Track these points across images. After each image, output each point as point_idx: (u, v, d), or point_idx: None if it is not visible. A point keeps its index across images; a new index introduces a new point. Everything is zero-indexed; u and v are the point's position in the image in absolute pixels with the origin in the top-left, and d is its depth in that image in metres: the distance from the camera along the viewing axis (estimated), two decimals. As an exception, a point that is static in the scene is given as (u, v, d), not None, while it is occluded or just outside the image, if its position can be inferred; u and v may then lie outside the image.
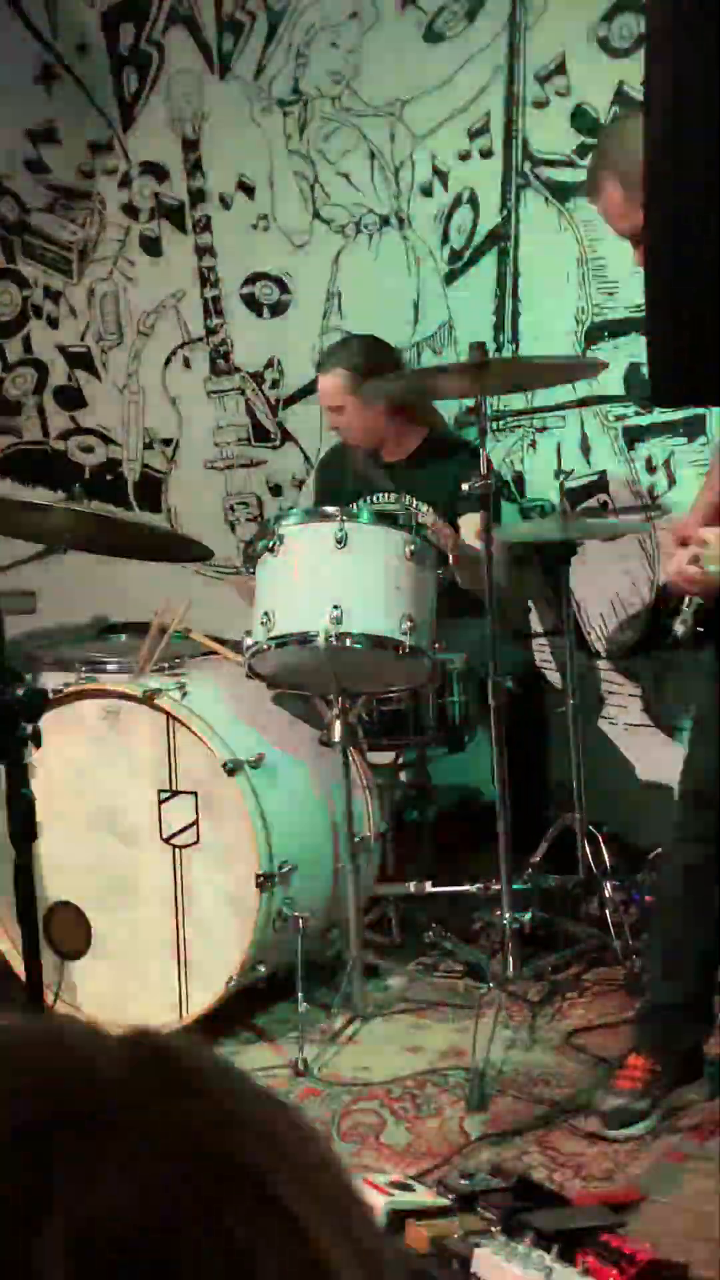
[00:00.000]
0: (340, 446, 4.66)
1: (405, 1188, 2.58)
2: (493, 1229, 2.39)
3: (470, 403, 4.43)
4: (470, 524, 4.04)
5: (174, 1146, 0.55)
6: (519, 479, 4.80)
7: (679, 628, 3.10)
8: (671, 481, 4.56)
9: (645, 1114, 3.04)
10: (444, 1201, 2.54)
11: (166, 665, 3.81)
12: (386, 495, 4.33)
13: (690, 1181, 2.83)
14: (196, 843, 3.53)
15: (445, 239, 4.89)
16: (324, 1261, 0.54)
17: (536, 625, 4.81)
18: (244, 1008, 3.64)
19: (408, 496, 4.31)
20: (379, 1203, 2.48)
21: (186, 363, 5.43)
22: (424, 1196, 2.56)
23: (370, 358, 4.32)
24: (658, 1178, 2.86)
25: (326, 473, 4.70)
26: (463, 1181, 2.59)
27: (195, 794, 3.53)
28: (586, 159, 4.56)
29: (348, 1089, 3.27)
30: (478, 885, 3.72)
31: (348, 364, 4.30)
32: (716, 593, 2.95)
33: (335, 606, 3.40)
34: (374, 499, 4.34)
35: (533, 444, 4.78)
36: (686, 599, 3.08)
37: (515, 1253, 2.21)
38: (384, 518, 3.58)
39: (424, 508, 4.18)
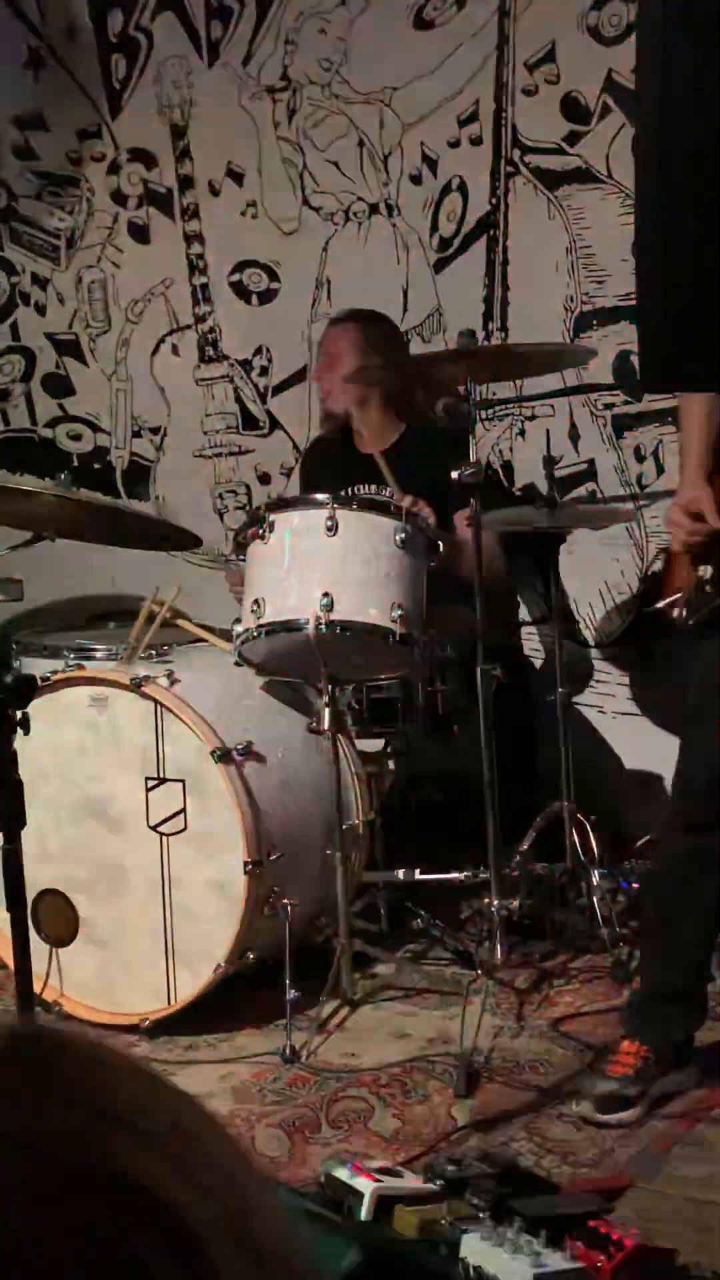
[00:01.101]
0: (323, 438, 4.66)
1: (393, 1174, 2.58)
2: (481, 1215, 2.40)
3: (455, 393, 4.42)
4: (464, 519, 4.04)
5: (41, 1153, 0.51)
6: (508, 467, 4.80)
7: (678, 613, 3.10)
8: (660, 470, 4.56)
9: (635, 1100, 3.04)
10: (432, 1188, 2.54)
11: (155, 653, 3.81)
12: (368, 487, 4.32)
13: (678, 1168, 2.84)
14: (185, 830, 3.53)
15: (434, 227, 4.89)
16: (214, 1271, 0.51)
17: (525, 614, 4.81)
18: (232, 995, 3.64)
19: (390, 487, 4.30)
20: (367, 1189, 2.48)
21: (175, 350, 5.42)
22: (412, 1182, 2.56)
23: (381, 326, 4.44)
24: (645, 1164, 2.86)
25: (314, 462, 4.69)
26: (450, 1168, 2.60)
27: (183, 781, 3.52)
28: (576, 147, 4.57)
29: (336, 1075, 3.27)
30: (466, 873, 3.72)
31: (360, 320, 4.42)
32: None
33: (325, 594, 3.40)
34: (359, 489, 4.34)
35: (522, 432, 4.78)
36: (683, 588, 3.08)
37: (503, 1238, 2.22)
38: (374, 505, 3.57)
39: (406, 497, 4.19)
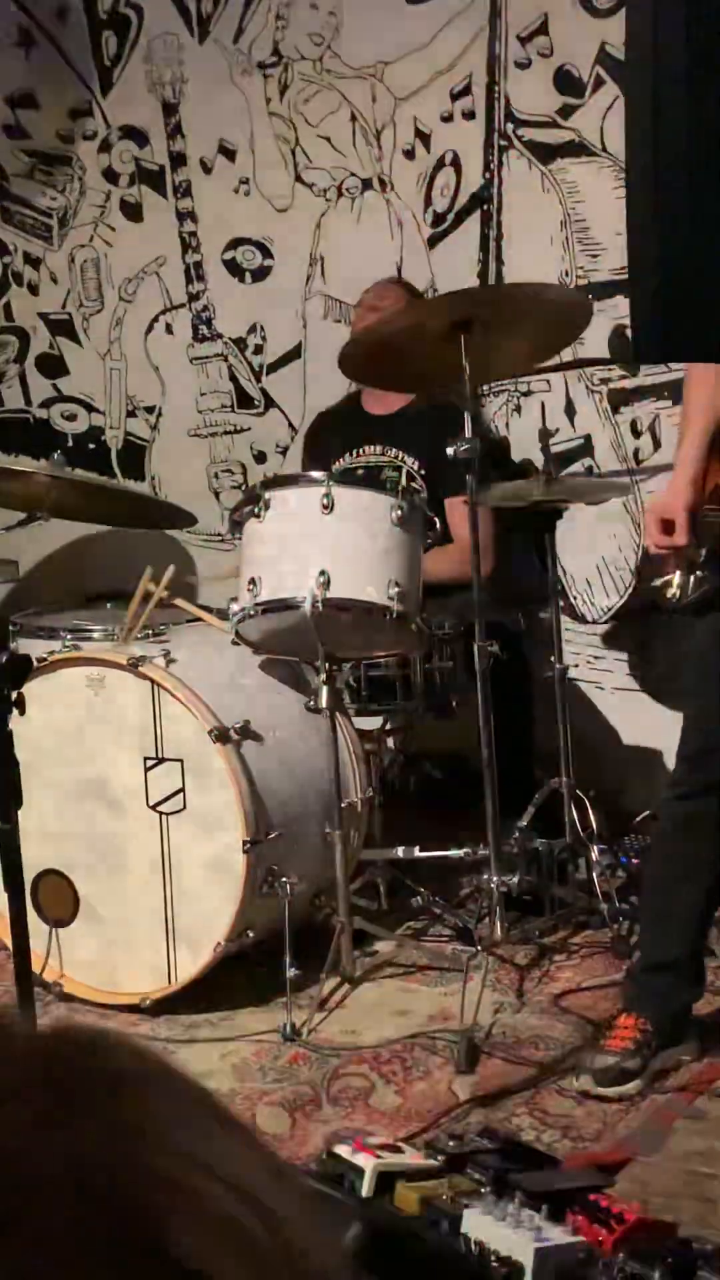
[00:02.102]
0: (327, 412, 4.66)
1: (394, 1150, 2.59)
2: (482, 1190, 2.40)
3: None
4: (456, 508, 4.05)
5: (58, 1187, 0.49)
6: (504, 443, 4.79)
7: (672, 593, 3.11)
8: (657, 445, 4.55)
9: (635, 1074, 3.05)
10: (433, 1163, 2.54)
11: (152, 632, 3.80)
12: (373, 447, 4.36)
13: (679, 1141, 2.84)
14: (183, 810, 3.53)
15: (428, 202, 4.86)
16: None
17: (522, 590, 4.80)
18: (232, 973, 3.65)
19: (394, 450, 4.33)
20: (368, 1165, 2.48)
21: (169, 329, 5.40)
22: (413, 1159, 2.56)
23: (419, 296, 4.54)
24: (646, 1138, 2.87)
25: (315, 439, 4.68)
26: (452, 1143, 2.60)
27: (182, 761, 3.52)
28: (569, 120, 4.54)
29: (337, 1053, 3.28)
30: (465, 850, 3.72)
31: (406, 287, 4.54)
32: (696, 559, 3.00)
33: (322, 572, 3.39)
34: (361, 451, 4.36)
35: (517, 408, 4.76)
36: (676, 569, 3.09)
37: (505, 1213, 2.22)
38: (371, 482, 3.56)
39: (410, 462, 4.22)
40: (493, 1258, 2.13)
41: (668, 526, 3.04)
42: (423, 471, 4.30)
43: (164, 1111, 0.54)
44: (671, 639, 4.40)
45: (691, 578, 3.07)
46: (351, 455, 4.43)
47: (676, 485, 3.09)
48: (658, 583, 3.19)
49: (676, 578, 3.10)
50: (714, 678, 3.07)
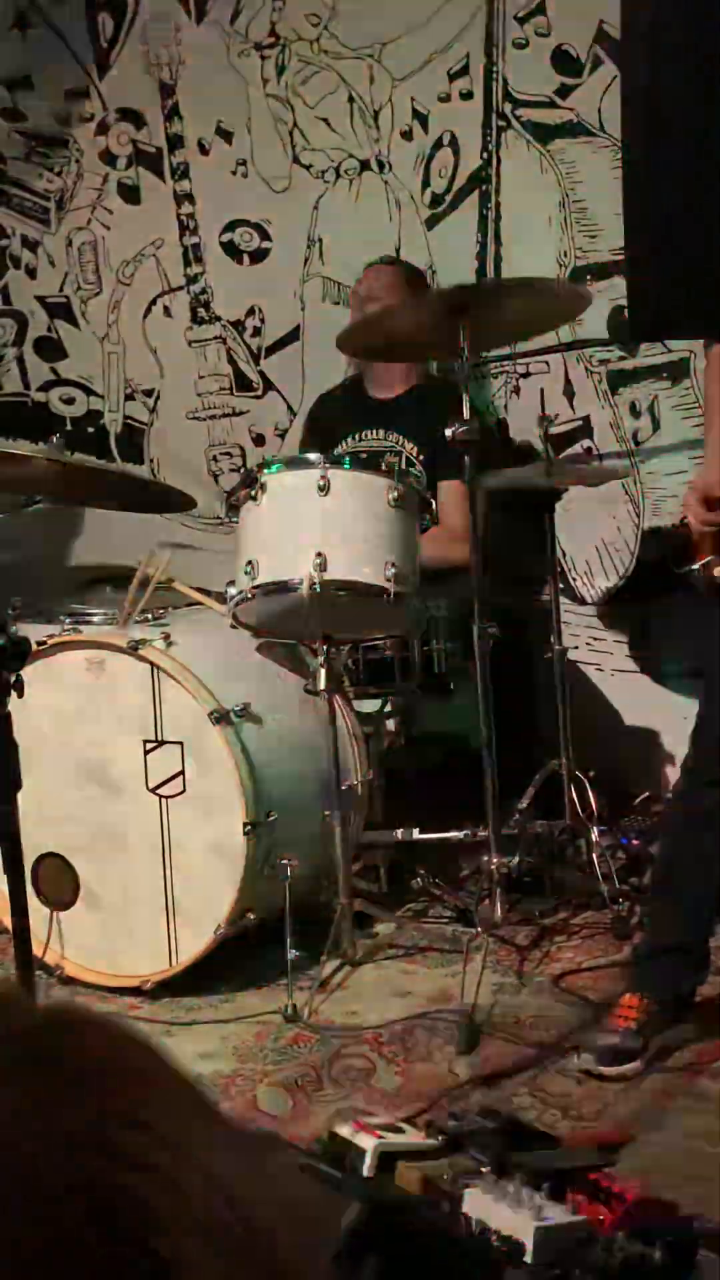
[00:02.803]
0: (328, 394, 4.65)
1: (396, 1130, 2.60)
2: (483, 1170, 2.41)
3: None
4: (449, 491, 4.05)
5: (37, 1163, 0.49)
6: (503, 425, 4.78)
7: (715, 574, 3.08)
8: (656, 426, 4.54)
9: (637, 1053, 3.05)
10: (434, 1143, 2.55)
11: (151, 616, 3.80)
12: (375, 432, 4.36)
13: (680, 1121, 2.85)
14: (183, 792, 3.53)
15: (426, 182, 4.85)
16: None
17: (522, 572, 4.79)
18: (233, 955, 3.65)
19: (394, 435, 4.33)
20: (369, 1145, 2.49)
21: (167, 311, 5.39)
22: (414, 1138, 2.57)
23: (417, 276, 4.54)
24: (647, 1118, 2.87)
25: (317, 422, 4.67)
26: (452, 1123, 2.61)
27: (181, 744, 3.52)
28: (567, 100, 4.53)
29: (338, 1034, 3.28)
30: (465, 831, 3.72)
31: (401, 266, 4.52)
32: None
33: (318, 554, 3.39)
34: (362, 435, 4.37)
35: (516, 389, 4.75)
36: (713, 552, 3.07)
37: (505, 1192, 2.23)
38: (367, 464, 3.56)
39: (410, 447, 4.22)
40: (493, 1237, 2.14)
41: (713, 503, 3.02)
42: (421, 457, 4.30)
43: (151, 1101, 0.54)
44: (671, 621, 4.40)
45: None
46: (353, 440, 4.43)
47: (714, 461, 3.09)
48: (696, 566, 3.15)
49: (715, 561, 3.07)
50: None
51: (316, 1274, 0.54)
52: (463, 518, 3.82)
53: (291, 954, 3.43)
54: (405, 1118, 2.80)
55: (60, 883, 3.65)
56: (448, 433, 3.55)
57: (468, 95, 4.73)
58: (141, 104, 5.31)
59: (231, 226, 5.22)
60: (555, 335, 4.56)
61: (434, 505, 3.65)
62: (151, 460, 5.49)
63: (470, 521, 3.56)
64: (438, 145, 4.82)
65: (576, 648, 4.60)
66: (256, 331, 5.24)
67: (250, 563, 3.48)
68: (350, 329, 4.12)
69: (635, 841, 3.91)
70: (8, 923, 2.86)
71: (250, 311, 5.24)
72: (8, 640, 2.40)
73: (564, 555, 4.61)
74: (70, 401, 5.61)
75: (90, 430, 5.57)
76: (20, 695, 2.42)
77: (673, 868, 3.26)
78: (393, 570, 3.42)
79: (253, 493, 3.52)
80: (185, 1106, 0.55)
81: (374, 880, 4.00)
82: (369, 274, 4.51)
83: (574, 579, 4.72)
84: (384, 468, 3.56)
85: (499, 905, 3.52)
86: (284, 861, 3.48)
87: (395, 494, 3.47)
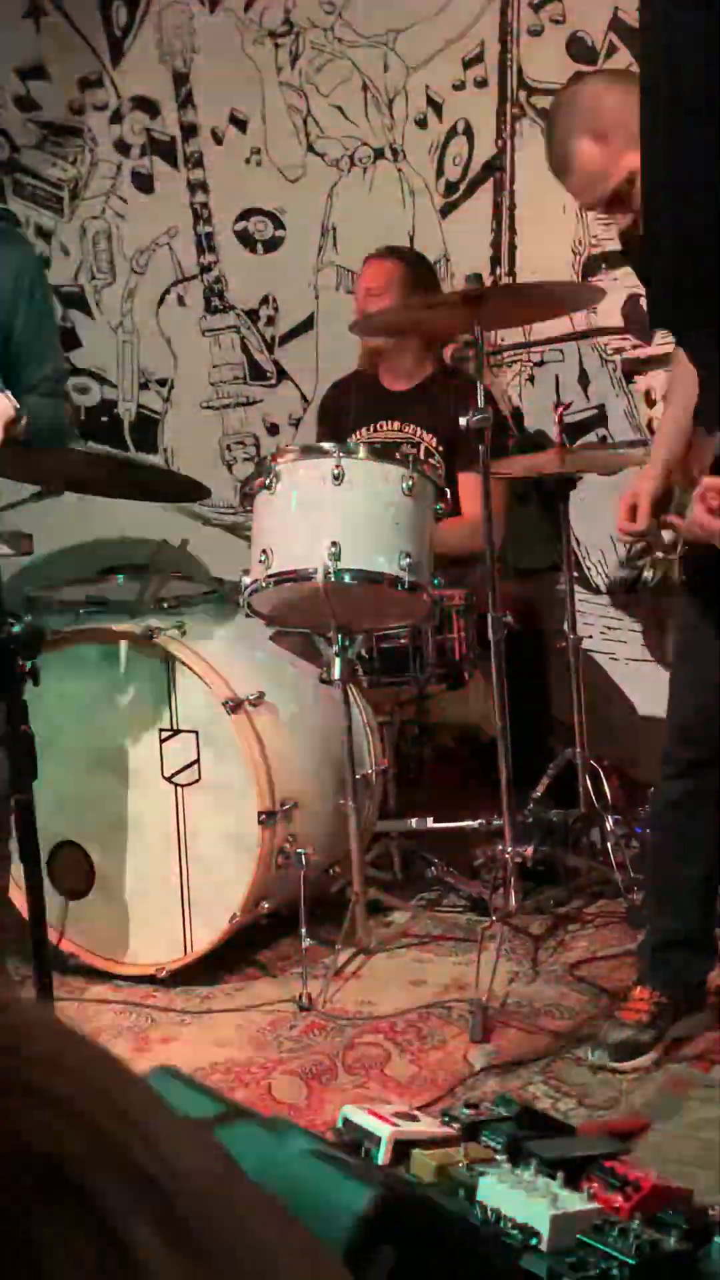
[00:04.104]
0: (343, 381, 4.65)
1: (410, 1118, 2.60)
2: (498, 1158, 2.41)
3: (467, 336, 4.40)
4: (469, 481, 4.05)
5: None
6: (517, 414, 4.77)
7: (649, 573, 3.15)
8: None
9: (650, 1045, 3.06)
10: (449, 1131, 2.55)
11: (165, 605, 3.80)
12: (391, 423, 4.36)
13: (694, 1109, 2.85)
14: (198, 781, 3.54)
15: (440, 171, 4.84)
16: (134, 1259, 0.46)
17: (536, 561, 4.79)
18: (248, 944, 3.66)
19: (411, 426, 4.34)
20: (384, 1133, 2.49)
21: (181, 301, 5.39)
22: (429, 1127, 2.57)
23: (419, 264, 4.48)
24: (662, 1106, 2.87)
25: (331, 409, 4.66)
26: (467, 1111, 2.61)
27: (196, 733, 3.53)
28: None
29: (352, 1022, 3.29)
30: (479, 821, 3.72)
31: (402, 258, 4.45)
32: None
33: (333, 543, 3.39)
34: (378, 426, 4.37)
35: (530, 378, 4.75)
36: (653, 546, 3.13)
37: (520, 1181, 2.23)
38: (381, 454, 3.56)
39: (428, 438, 4.23)
40: (509, 1225, 2.14)
41: (630, 512, 3.10)
42: (440, 448, 4.30)
43: (34, 1035, 0.52)
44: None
45: (657, 560, 3.12)
46: (369, 430, 4.43)
47: (650, 469, 3.16)
48: (639, 564, 3.25)
49: (649, 559, 3.16)
50: (700, 655, 3.08)
51: (220, 1180, 0.53)
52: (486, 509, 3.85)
53: (306, 942, 3.44)
54: (420, 1106, 2.80)
55: (76, 871, 3.65)
56: (462, 422, 3.56)
57: (482, 83, 4.72)
58: (155, 92, 5.31)
59: (245, 215, 5.21)
60: (570, 323, 4.55)
61: (448, 495, 3.64)
62: (166, 450, 5.49)
63: (485, 510, 3.56)
64: (452, 133, 4.81)
65: (591, 636, 4.59)
66: (270, 320, 5.24)
67: (265, 552, 3.48)
68: (354, 325, 4.15)
69: (649, 831, 3.90)
70: (24, 910, 2.86)
71: (264, 300, 5.23)
72: (23, 629, 2.40)
73: (578, 544, 4.61)
74: (84, 391, 5.61)
75: (104, 419, 5.57)
76: (36, 684, 2.43)
77: (662, 858, 3.27)
78: (407, 560, 3.42)
79: (267, 482, 3.52)
80: (70, 1041, 0.52)
81: (388, 869, 4.01)
82: (367, 268, 4.48)
83: (588, 568, 4.71)
84: (399, 457, 3.56)
85: (513, 894, 3.53)
86: (299, 850, 3.48)
87: (409, 483, 3.47)
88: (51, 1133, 0.47)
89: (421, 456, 3.70)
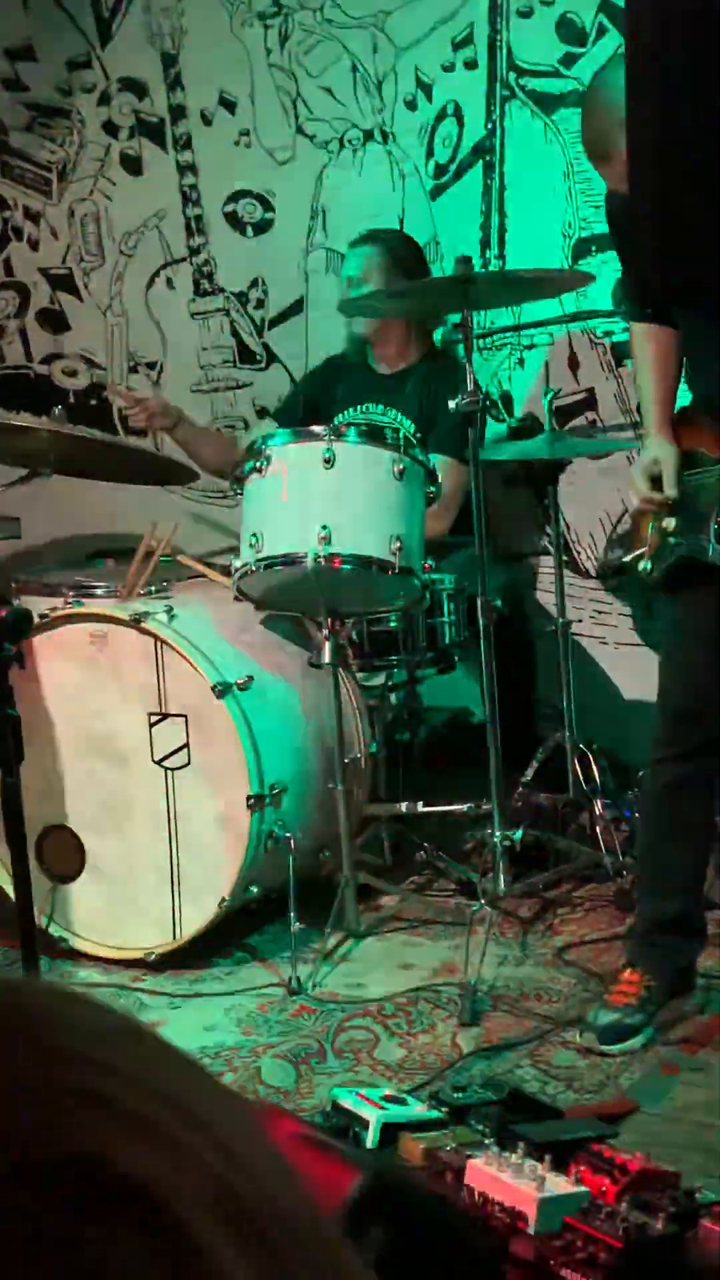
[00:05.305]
0: (337, 359, 4.63)
1: (399, 1102, 2.60)
2: (486, 1141, 2.41)
3: (457, 319, 4.39)
4: (442, 466, 4.05)
5: None
6: (506, 397, 4.77)
7: (643, 565, 3.13)
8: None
9: (639, 1029, 3.07)
10: (437, 1115, 2.56)
11: (154, 589, 3.80)
12: (377, 407, 4.36)
13: (682, 1093, 2.86)
14: (188, 765, 3.53)
15: (430, 153, 4.82)
16: (208, 1264, 0.45)
17: (526, 545, 4.79)
18: (237, 928, 3.66)
19: (394, 412, 4.33)
20: (372, 1117, 2.50)
21: (170, 283, 5.37)
22: (417, 1110, 2.58)
23: (404, 248, 4.45)
24: (650, 1089, 2.88)
25: (319, 380, 4.64)
26: (456, 1095, 2.61)
27: (185, 717, 3.52)
28: (572, 69, 4.50)
29: (341, 1006, 3.29)
30: (469, 804, 3.73)
31: (384, 242, 4.41)
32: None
33: (323, 527, 3.38)
34: (364, 410, 4.36)
35: (520, 361, 4.74)
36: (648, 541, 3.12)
37: (508, 1164, 2.23)
38: (372, 437, 3.55)
39: (408, 424, 4.21)
40: (496, 1208, 2.15)
41: (656, 480, 3.06)
42: (419, 434, 4.29)
43: (76, 1031, 0.50)
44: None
45: (665, 549, 3.10)
46: (355, 411, 4.42)
47: (658, 435, 3.12)
48: (629, 558, 3.23)
49: (649, 550, 3.14)
50: (689, 644, 3.09)
51: (330, 1246, 0.52)
52: (450, 492, 3.86)
53: (295, 926, 3.44)
54: (408, 1089, 2.81)
55: (65, 855, 3.65)
56: (450, 404, 3.56)
57: (472, 65, 4.70)
58: (144, 74, 5.28)
59: (235, 197, 5.19)
60: (560, 306, 4.54)
61: (439, 478, 3.63)
62: (155, 433, 5.47)
63: (478, 496, 3.56)
64: (441, 115, 4.79)
65: (580, 621, 4.59)
66: (260, 303, 5.22)
67: (255, 535, 3.48)
68: (341, 305, 4.15)
69: (639, 814, 3.91)
70: (11, 894, 2.86)
71: (254, 283, 5.21)
72: (10, 613, 2.39)
73: (568, 528, 4.60)
74: (73, 374, 5.59)
75: (93, 403, 5.55)
76: (22, 668, 2.43)
77: (652, 842, 3.28)
78: (397, 544, 3.42)
79: (258, 465, 3.51)
80: (112, 1030, 0.51)
81: (378, 853, 4.01)
82: (351, 254, 4.47)
83: (577, 552, 4.71)
84: (389, 441, 3.55)
85: (502, 878, 3.53)
86: (288, 834, 3.48)
87: (400, 467, 3.46)
88: (121, 1141, 0.45)
89: (409, 438, 3.69)
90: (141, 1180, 0.45)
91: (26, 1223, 0.43)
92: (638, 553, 3.18)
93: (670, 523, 3.08)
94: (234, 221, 5.21)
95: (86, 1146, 0.45)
